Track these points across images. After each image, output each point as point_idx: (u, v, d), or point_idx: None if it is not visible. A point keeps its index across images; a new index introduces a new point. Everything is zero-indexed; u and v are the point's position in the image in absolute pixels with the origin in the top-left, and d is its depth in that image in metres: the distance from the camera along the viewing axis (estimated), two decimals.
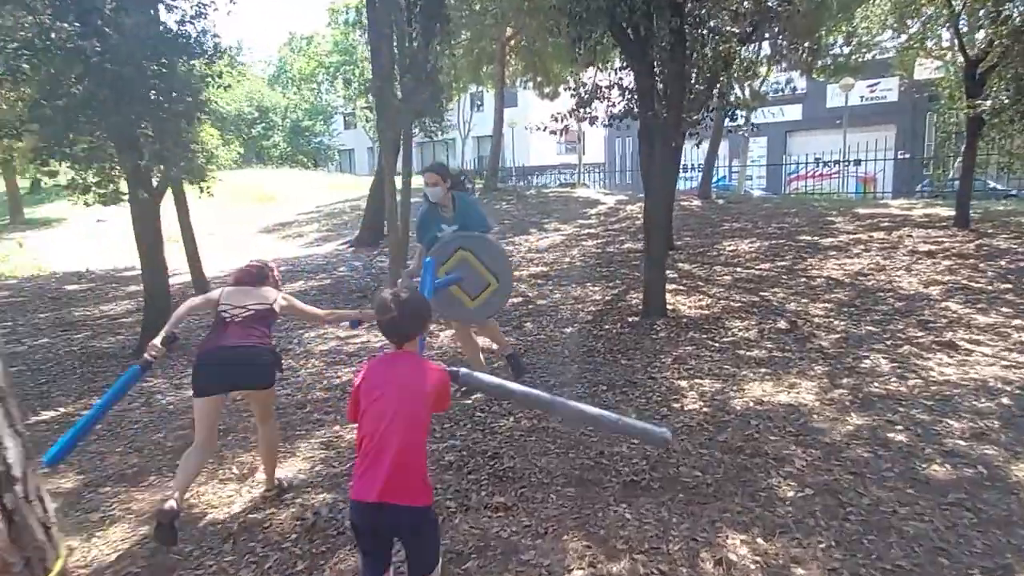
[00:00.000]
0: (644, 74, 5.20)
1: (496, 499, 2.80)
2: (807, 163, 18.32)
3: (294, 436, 3.70)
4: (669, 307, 5.75)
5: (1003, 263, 6.50)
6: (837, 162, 17.86)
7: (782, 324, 5.21)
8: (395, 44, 8.52)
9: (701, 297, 6.16)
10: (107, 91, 4.57)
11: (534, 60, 12.45)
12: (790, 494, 2.67)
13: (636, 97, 5.51)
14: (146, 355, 2.63)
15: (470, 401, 3.98)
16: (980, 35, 8.76)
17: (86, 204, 5.57)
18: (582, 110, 5.80)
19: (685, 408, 3.67)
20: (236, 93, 30.88)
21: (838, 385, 3.91)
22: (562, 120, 5.76)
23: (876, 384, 3.89)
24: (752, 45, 12.85)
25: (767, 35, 12.41)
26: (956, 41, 9.38)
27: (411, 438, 1.72)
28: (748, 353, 4.59)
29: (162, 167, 5.21)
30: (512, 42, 13.92)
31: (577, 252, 8.79)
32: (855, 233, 9.05)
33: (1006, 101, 7.59)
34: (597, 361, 4.59)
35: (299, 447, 3.56)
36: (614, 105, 5.96)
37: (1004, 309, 5.15)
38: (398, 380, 1.77)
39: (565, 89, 6.23)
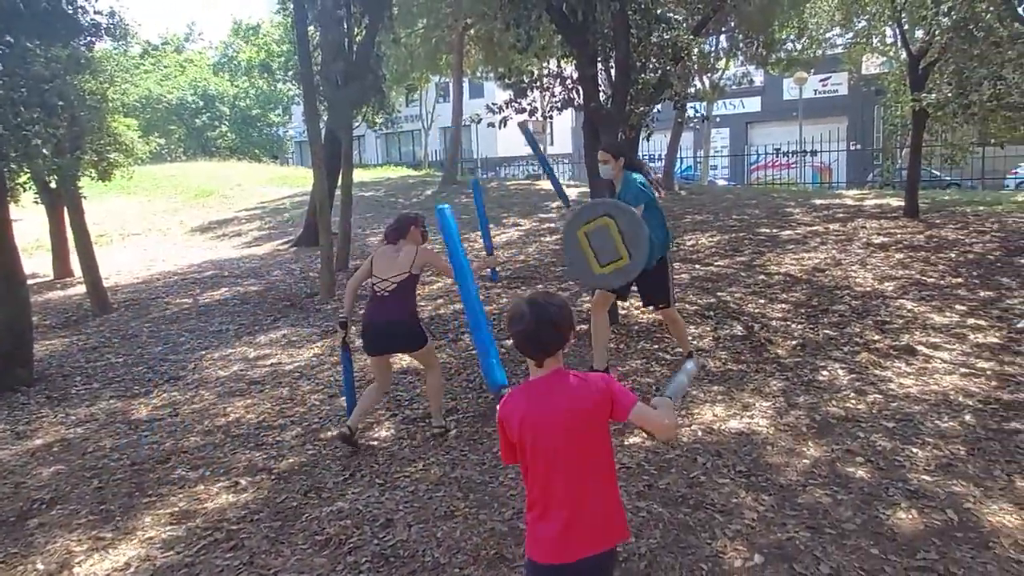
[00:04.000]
0: (585, 62, 4.76)
1: None
2: (767, 154, 18.42)
3: (139, 507, 2.99)
4: (622, 311, 5.35)
5: (952, 255, 6.42)
6: (795, 153, 18.02)
7: (738, 329, 4.88)
8: (318, 28, 7.85)
9: None
10: None
11: (495, 50, 11.89)
12: (737, 564, 2.26)
13: (578, 87, 5.06)
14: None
15: (375, 442, 3.46)
16: (919, 33, 8.77)
17: None
18: (520, 101, 5.32)
19: (625, 443, 3.24)
20: (179, 81, 28.93)
21: (794, 405, 3.57)
22: (499, 111, 5.29)
23: (834, 403, 3.56)
24: (710, 38, 12.74)
25: (723, 29, 12.32)
26: (899, 38, 9.43)
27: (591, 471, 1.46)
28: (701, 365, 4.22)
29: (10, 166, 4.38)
30: (472, 31, 13.26)
31: (534, 249, 8.33)
32: (812, 225, 8.90)
33: (948, 95, 7.65)
34: None
35: (141, 523, 2.85)
36: (554, 96, 5.50)
37: (958, 307, 4.99)
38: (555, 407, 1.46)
39: (507, 80, 5.73)
